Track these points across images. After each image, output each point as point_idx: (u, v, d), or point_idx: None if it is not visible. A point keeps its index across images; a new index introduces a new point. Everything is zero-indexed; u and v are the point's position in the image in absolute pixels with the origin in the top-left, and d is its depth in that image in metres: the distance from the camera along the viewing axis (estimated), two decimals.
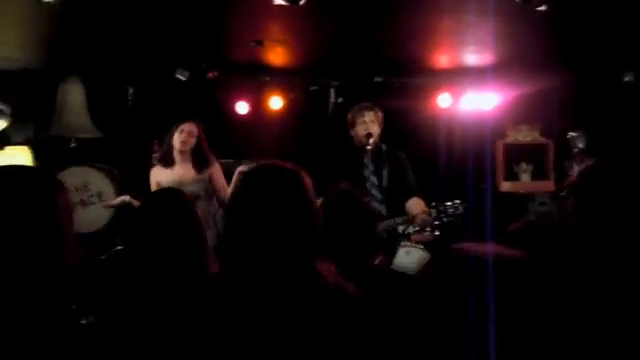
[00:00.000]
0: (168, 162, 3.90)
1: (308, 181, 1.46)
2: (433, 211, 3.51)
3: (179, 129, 3.88)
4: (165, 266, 1.92)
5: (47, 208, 1.42)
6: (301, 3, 2.56)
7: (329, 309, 1.31)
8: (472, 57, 4.75)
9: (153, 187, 4.00)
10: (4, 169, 1.47)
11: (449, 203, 3.56)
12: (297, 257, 1.36)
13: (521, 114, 5.51)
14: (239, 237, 1.39)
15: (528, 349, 1.55)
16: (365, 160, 3.45)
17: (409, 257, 4.35)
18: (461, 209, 3.54)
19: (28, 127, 5.24)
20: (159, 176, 3.96)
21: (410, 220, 3.42)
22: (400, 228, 3.44)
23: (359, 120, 3.58)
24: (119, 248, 4.29)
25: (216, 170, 3.96)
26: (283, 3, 2.52)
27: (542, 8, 2.60)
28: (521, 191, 5.57)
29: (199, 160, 3.89)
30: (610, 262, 1.64)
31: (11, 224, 1.37)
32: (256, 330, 1.28)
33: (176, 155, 3.88)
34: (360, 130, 3.56)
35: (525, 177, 5.70)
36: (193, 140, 3.87)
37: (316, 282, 1.34)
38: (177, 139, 3.85)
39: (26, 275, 1.36)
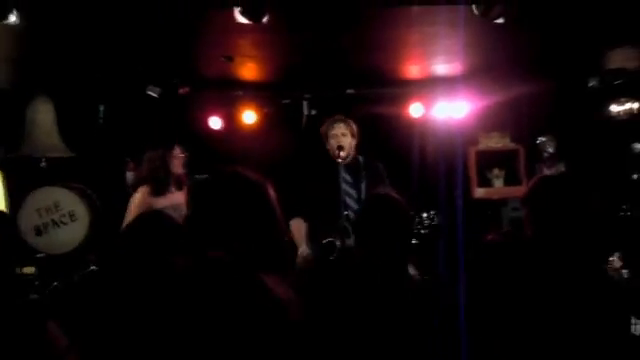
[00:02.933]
0: (162, 190, 3.77)
1: (271, 192, 1.44)
2: None
3: (173, 155, 3.79)
4: (149, 286, 1.92)
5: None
6: (264, 21, 2.57)
7: (268, 322, 1.27)
8: (442, 67, 4.83)
9: (137, 211, 3.81)
10: None
11: (425, 214, 3.59)
12: (246, 268, 1.33)
13: (492, 121, 5.61)
14: (199, 246, 1.37)
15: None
16: (342, 172, 3.45)
17: None
18: (437, 220, 3.59)
19: None
20: (154, 202, 3.74)
21: None
22: None
23: (331, 133, 3.59)
24: (93, 268, 4.23)
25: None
26: (245, 22, 2.53)
27: (500, 20, 2.66)
28: (495, 197, 5.65)
29: (181, 183, 3.86)
30: (561, 272, 1.67)
31: None
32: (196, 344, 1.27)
33: (171, 180, 3.81)
34: (332, 143, 3.57)
35: (498, 183, 5.78)
36: (182, 164, 3.84)
37: (258, 294, 1.29)
38: (176, 164, 3.78)
39: None
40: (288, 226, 3.43)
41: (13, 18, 2.61)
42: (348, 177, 3.55)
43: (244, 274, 1.28)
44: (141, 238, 1.98)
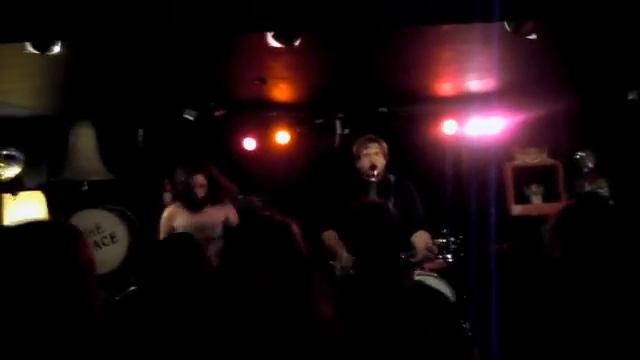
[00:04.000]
0: (187, 205, 4.00)
1: (296, 230, 1.59)
2: (435, 247, 3.51)
3: (192, 182, 3.96)
4: (178, 307, 1.96)
5: (71, 258, 1.45)
6: (296, 44, 2.61)
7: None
8: (475, 83, 4.79)
9: (165, 227, 4.03)
10: (25, 227, 1.50)
11: (452, 239, 3.56)
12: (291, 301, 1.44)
13: (528, 136, 5.52)
14: (234, 282, 1.47)
15: None
16: (370, 192, 3.45)
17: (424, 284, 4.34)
18: (463, 245, 3.55)
19: (41, 172, 5.35)
20: (176, 218, 4.02)
21: (413, 255, 3.43)
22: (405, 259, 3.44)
23: (363, 152, 3.60)
24: (133, 288, 4.31)
25: (231, 213, 4.10)
26: (278, 45, 2.58)
27: (532, 37, 2.63)
28: (533, 213, 5.53)
29: (215, 200, 4.04)
30: (592, 299, 1.62)
31: (38, 279, 1.40)
32: None
33: (196, 199, 3.97)
34: (364, 162, 3.57)
35: (536, 199, 5.67)
36: (204, 189, 3.98)
37: (309, 328, 1.39)
38: (199, 192, 3.96)
39: (58, 324, 1.39)
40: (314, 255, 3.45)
41: (57, 49, 2.73)
42: (376, 197, 3.55)
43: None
44: (161, 262, 2.06)
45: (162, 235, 4.04)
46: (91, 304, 1.46)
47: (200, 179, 3.98)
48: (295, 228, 1.61)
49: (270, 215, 1.64)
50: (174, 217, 4.01)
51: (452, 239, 3.55)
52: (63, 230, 1.52)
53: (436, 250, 3.52)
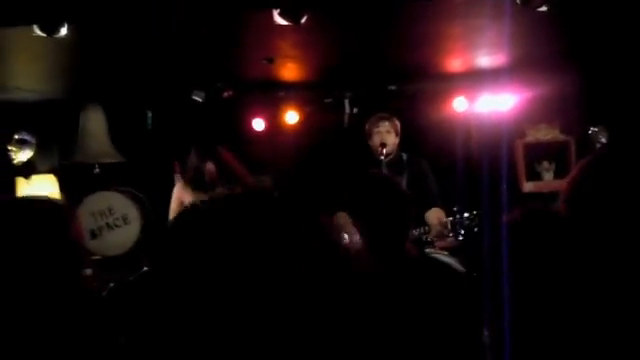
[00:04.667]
0: (198, 186, 3.93)
1: (327, 223, 1.51)
2: (449, 223, 3.50)
3: (203, 168, 3.92)
4: (193, 286, 1.98)
5: (60, 236, 1.47)
6: (303, 21, 2.59)
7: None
8: (485, 59, 4.73)
9: (175, 204, 4.02)
10: (16, 202, 1.53)
11: (466, 214, 3.55)
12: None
13: (539, 113, 5.45)
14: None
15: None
16: (382, 170, 3.45)
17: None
18: (477, 221, 3.54)
19: (53, 155, 5.40)
20: (186, 196, 3.95)
21: (426, 232, 3.43)
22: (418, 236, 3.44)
23: (374, 130, 3.60)
24: (146, 269, 4.37)
25: None
26: (284, 23, 2.56)
27: (543, 9, 2.58)
28: (545, 190, 5.50)
29: (229, 187, 3.92)
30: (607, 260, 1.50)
31: (27, 255, 1.43)
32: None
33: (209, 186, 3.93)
34: (375, 140, 3.57)
35: (548, 176, 5.62)
36: (215, 175, 3.93)
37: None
38: (209, 177, 3.91)
39: (49, 298, 1.42)
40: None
41: (64, 31, 2.73)
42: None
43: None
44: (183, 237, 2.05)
45: (173, 213, 4.04)
46: (77, 279, 1.48)
47: (211, 167, 3.93)
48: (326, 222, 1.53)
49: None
50: (184, 195, 3.96)
51: (466, 215, 3.53)
52: (51, 207, 1.53)
53: (450, 226, 3.52)
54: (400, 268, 1.94)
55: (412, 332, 1.82)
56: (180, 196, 4.00)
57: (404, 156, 3.67)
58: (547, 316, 1.55)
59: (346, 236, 3.41)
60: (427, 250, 3.91)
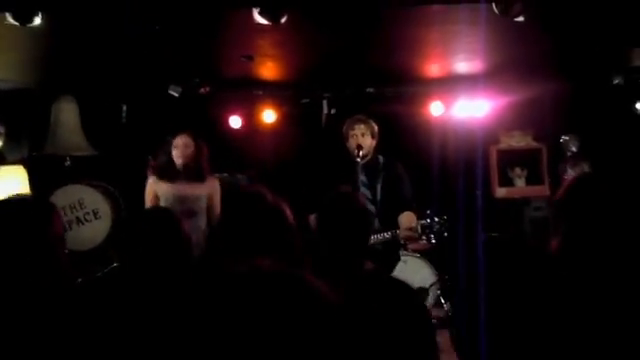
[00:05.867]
0: (167, 176, 3.80)
1: (288, 212, 1.53)
2: (418, 227, 3.53)
3: (174, 144, 3.82)
4: (154, 283, 1.96)
5: (40, 233, 1.46)
6: (282, 21, 2.58)
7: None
8: (462, 65, 4.79)
9: (149, 197, 3.88)
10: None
11: (436, 219, 3.58)
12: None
13: (513, 120, 5.55)
14: (220, 258, 1.44)
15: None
16: (358, 173, 3.46)
17: (406, 266, 4.39)
18: (446, 225, 3.58)
19: (22, 146, 5.27)
20: (157, 188, 3.84)
21: (395, 235, 3.45)
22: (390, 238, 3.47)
23: (351, 133, 3.59)
24: (115, 265, 4.30)
25: (215, 188, 3.89)
26: (264, 22, 2.55)
27: (520, 19, 2.63)
28: (516, 196, 5.59)
29: (198, 176, 3.81)
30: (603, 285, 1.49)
31: (8, 251, 1.41)
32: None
33: (176, 169, 3.81)
34: (352, 142, 3.58)
35: (520, 182, 5.72)
36: (190, 151, 3.77)
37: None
38: (175, 154, 3.79)
39: (28, 292, 1.40)
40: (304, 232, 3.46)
41: (38, 20, 2.67)
42: (364, 178, 3.55)
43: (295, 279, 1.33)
44: (140, 237, 2.03)
45: (147, 205, 3.95)
46: (58, 275, 1.47)
47: (185, 139, 3.79)
48: (287, 209, 1.57)
49: (261, 193, 1.58)
50: (157, 186, 3.83)
51: (436, 219, 3.57)
52: (35, 205, 1.52)
53: (419, 230, 3.55)
54: (353, 283, 1.95)
55: (358, 347, 1.82)
56: (153, 186, 3.88)
57: (380, 158, 3.68)
58: (524, 320, 1.56)
59: None
60: (400, 252, 3.94)
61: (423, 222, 3.60)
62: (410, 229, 3.46)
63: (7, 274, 1.39)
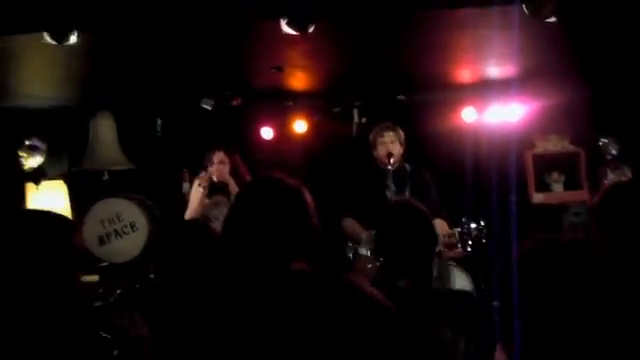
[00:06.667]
0: (211, 191, 4.01)
1: (309, 198, 1.51)
2: (456, 233, 3.48)
3: (210, 160, 3.95)
4: (194, 293, 1.98)
5: (58, 250, 1.48)
6: (310, 31, 2.59)
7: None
8: (494, 70, 4.72)
9: (194, 203, 4.06)
10: (22, 214, 1.54)
11: (474, 225, 3.52)
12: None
13: (549, 123, 5.42)
14: (234, 246, 1.42)
15: None
16: (387, 181, 3.45)
17: (443, 274, 4.32)
18: (485, 232, 3.51)
19: (62, 162, 5.43)
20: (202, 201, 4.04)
21: None
22: None
23: (379, 140, 3.58)
24: (152, 277, 4.37)
25: None
26: (292, 32, 2.56)
27: (552, 20, 2.57)
28: (554, 202, 5.45)
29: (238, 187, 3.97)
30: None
31: (24, 267, 1.43)
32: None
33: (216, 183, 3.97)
34: (381, 151, 3.56)
35: (557, 187, 5.57)
36: (226, 168, 3.94)
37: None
38: (212, 170, 3.94)
39: (44, 309, 1.42)
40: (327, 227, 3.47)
41: (74, 39, 2.75)
42: (392, 185, 3.53)
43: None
44: (182, 249, 2.06)
45: (191, 207, 4.05)
46: (72, 291, 1.48)
47: (221, 156, 3.94)
48: (307, 194, 1.52)
49: (281, 177, 1.54)
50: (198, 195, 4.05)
51: (473, 225, 3.50)
52: (53, 220, 1.55)
53: (457, 237, 3.50)
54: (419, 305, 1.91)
55: None
56: (200, 196, 4.04)
57: (407, 167, 3.66)
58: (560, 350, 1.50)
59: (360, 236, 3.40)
60: (435, 261, 3.88)
61: (460, 229, 3.54)
62: (449, 236, 3.41)
63: (15, 284, 1.41)
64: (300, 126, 5.43)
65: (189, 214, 4.10)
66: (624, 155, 5.26)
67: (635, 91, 4.94)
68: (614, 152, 5.27)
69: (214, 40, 3.28)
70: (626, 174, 5.29)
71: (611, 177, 5.36)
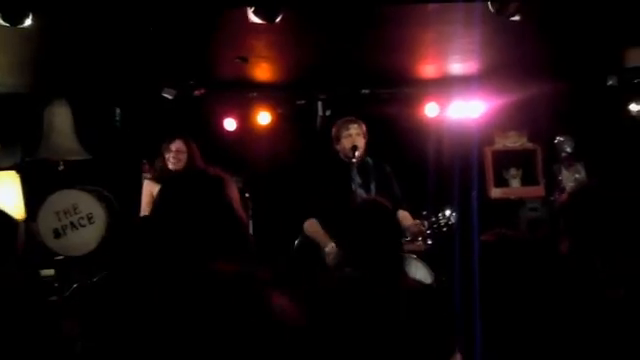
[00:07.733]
0: (162, 179, 3.87)
1: (233, 190, 1.48)
2: (425, 222, 3.51)
3: (167, 148, 3.88)
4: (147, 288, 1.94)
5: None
6: (277, 21, 2.56)
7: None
8: (457, 66, 4.79)
9: (146, 199, 3.99)
10: None
11: (441, 214, 3.56)
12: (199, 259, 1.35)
13: (508, 120, 5.55)
14: (156, 242, 1.40)
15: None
16: (352, 173, 3.44)
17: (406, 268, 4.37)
18: (453, 219, 3.54)
19: (15, 151, 5.22)
20: (153, 190, 3.92)
21: (404, 235, 3.43)
22: None
23: (344, 133, 3.57)
24: (110, 270, 4.26)
25: None
26: (259, 21, 2.53)
27: (516, 18, 2.62)
28: (512, 197, 5.59)
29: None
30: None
31: None
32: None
33: (170, 173, 3.86)
34: (346, 143, 3.55)
35: (515, 183, 5.72)
36: (183, 157, 3.87)
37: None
38: (168, 159, 3.86)
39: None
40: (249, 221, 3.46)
41: (28, 21, 2.64)
42: (358, 178, 3.53)
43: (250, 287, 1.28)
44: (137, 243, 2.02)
45: (144, 209, 3.99)
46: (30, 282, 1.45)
47: (178, 144, 3.88)
48: (232, 186, 1.50)
49: (204, 169, 1.53)
50: (153, 190, 3.91)
51: (440, 214, 3.54)
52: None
53: (426, 224, 3.54)
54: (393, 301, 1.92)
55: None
56: (150, 189, 3.97)
57: (369, 160, 3.67)
58: (517, 335, 1.54)
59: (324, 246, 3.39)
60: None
61: (431, 219, 3.59)
62: (418, 224, 3.43)
63: None
64: (264, 118, 5.39)
65: (142, 210, 4.02)
66: (578, 153, 5.44)
67: (591, 91, 5.11)
68: (569, 150, 5.45)
69: (177, 27, 3.20)
70: (579, 171, 5.48)
71: (565, 174, 5.53)
